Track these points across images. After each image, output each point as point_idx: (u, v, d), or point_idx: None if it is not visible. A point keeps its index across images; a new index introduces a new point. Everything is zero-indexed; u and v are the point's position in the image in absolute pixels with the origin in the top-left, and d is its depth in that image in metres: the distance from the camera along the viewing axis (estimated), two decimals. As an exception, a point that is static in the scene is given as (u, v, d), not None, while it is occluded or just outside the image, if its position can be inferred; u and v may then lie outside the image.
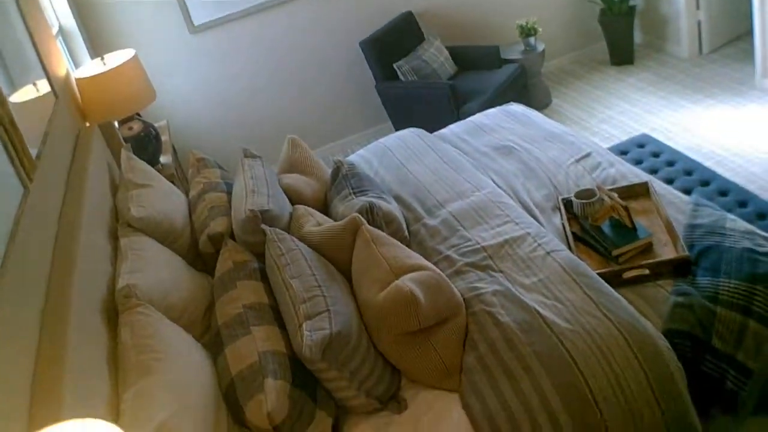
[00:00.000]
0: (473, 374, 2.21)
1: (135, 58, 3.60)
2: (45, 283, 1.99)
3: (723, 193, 3.12)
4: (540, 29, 5.42)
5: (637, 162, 3.76)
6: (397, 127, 4.91)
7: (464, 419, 2.13)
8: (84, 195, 2.65)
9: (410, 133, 3.76)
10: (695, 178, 3.28)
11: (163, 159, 3.92)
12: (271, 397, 1.96)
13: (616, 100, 5.36)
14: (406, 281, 2.23)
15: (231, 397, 2.05)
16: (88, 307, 2.14)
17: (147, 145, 3.77)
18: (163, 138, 4.11)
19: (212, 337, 2.33)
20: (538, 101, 5.41)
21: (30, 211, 2.10)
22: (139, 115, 3.88)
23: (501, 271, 2.54)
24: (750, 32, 5.17)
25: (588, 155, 3.28)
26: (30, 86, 2.74)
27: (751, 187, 3.70)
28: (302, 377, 2.11)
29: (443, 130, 3.87)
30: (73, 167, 2.81)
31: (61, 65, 3.49)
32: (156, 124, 4.14)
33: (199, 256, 2.91)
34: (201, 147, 4.89)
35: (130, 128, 3.73)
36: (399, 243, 2.50)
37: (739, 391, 2.22)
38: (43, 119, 2.74)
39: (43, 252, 2.10)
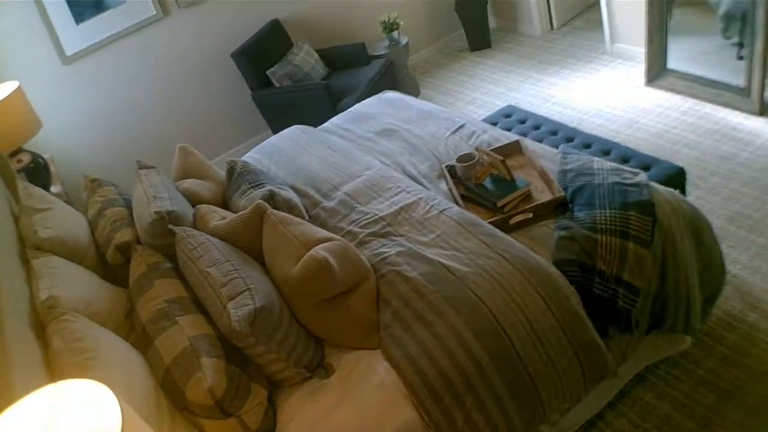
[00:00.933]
0: (391, 328, 2.39)
1: (19, 90, 3.61)
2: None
3: (587, 146, 3.41)
4: (402, 23, 5.69)
5: (507, 130, 4.04)
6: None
7: (390, 370, 2.30)
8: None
9: (295, 130, 3.93)
10: (560, 136, 3.57)
11: (53, 189, 3.93)
12: (210, 372, 2.08)
13: (479, 82, 5.68)
14: (318, 250, 2.39)
15: (169, 384, 2.14)
16: (18, 320, 2.19)
17: (37, 176, 3.78)
18: (52, 169, 4.11)
19: (138, 335, 2.41)
20: (408, 93, 5.65)
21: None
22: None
23: (401, 235, 2.74)
24: (596, 3, 5.58)
25: (462, 126, 3.53)
26: None
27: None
28: (233, 355, 2.22)
29: (326, 124, 4.06)
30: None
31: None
32: (44, 155, 4.14)
33: (109, 272, 2.96)
34: (94, 172, 4.86)
35: (20, 160, 3.74)
36: (304, 221, 2.66)
37: (632, 308, 2.48)
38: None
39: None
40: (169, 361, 2.16)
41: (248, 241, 2.65)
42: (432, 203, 2.83)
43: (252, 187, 3.06)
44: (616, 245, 2.49)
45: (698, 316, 2.65)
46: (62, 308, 2.28)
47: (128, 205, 3.17)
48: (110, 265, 2.91)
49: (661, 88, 4.68)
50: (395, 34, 5.64)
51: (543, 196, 2.83)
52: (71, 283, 2.52)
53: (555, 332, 2.32)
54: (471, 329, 2.28)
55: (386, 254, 2.64)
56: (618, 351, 2.56)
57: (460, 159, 3.09)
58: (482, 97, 5.42)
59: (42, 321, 2.29)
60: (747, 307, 2.98)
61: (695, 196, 3.61)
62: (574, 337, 2.34)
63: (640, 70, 4.89)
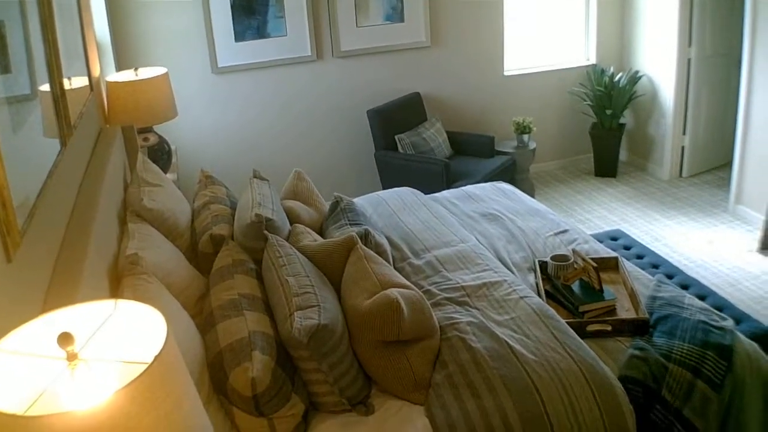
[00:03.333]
0: (441, 389, 2.38)
1: (166, 76, 3.86)
2: (63, 230, 2.18)
3: (684, 287, 3.36)
4: (534, 129, 5.78)
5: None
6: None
7: (428, 428, 2.28)
8: (104, 172, 2.85)
9: (406, 190, 4.03)
10: (661, 271, 3.52)
11: (169, 176, 4.13)
12: (258, 366, 2.12)
13: (595, 206, 5.67)
14: (394, 292, 2.43)
15: (217, 366, 2.19)
16: (97, 268, 2.30)
17: (158, 159, 3.98)
18: (173, 159, 4.33)
19: (204, 320, 2.49)
20: (523, 194, 5.72)
21: (61, 166, 2.32)
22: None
23: (476, 308, 2.75)
24: (729, 164, 5.54)
25: (566, 231, 3.54)
26: (72, 77, 3.00)
27: (711, 294, 3.96)
28: (285, 362, 2.27)
29: (436, 194, 4.14)
30: (96, 151, 3.04)
31: (97, 68, 3.75)
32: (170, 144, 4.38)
33: (195, 260, 3.08)
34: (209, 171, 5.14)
35: (146, 139, 3.95)
36: (388, 265, 2.71)
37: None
38: (80, 103, 2.98)
39: (65, 205, 2.29)
40: (224, 344, 2.22)
41: (331, 266, 2.71)
42: (515, 287, 2.84)
43: (350, 224, 3.14)
44: (686, 379, 2.43)
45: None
46: (143, 268, 2.38)
47: (232, 206, 3.31)
48: (199, 253, 3.02)
49: (773, 259, 4.58)
50: (525, 137, 5.73)
51: (627, 314, 2.80)
52: (158, 251, 2.64)
53: (602, 444, 2.26)
54: (518, 413, 2.25)
55: (457, 320, 2.65)
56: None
57: (554, 257, 3.10)
58: (594, 219, 5.41)
59: (120, 274, 2.39)
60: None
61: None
62: (618, 453, 2.28)
63: (756, 235, 4.81)
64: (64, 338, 1.19)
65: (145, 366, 1.13)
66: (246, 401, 2.11)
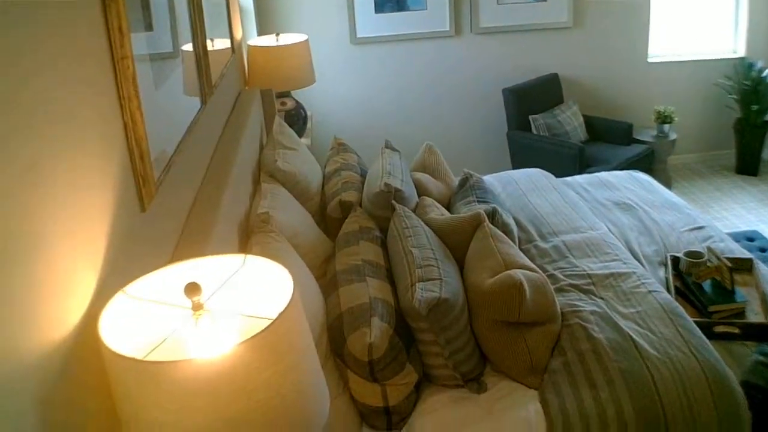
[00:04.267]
0: (557, 376, 2.34)
1: (306, 43, 3.93)
2: (198, 185, 2.26)
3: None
4: (676, 119, 5.55)
5: (746, 253, 3.85)
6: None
7: (539, 413, 2.25)
8: (241, 132, 2.94)
9: (537, 172, 3.95)
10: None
11: (303, 141, 4.21)
12: (376, 332, 2.14)
13: (733, 204, 5.41)
14: (518, 273, 2.40)
15: (335, 329, 2.24)
16: (228, 221, 2.37)
17: (293, 124, 4.06)
18: (308, 124, 4.41)
19: (327, 282, 2.53)
20: (658, 186, 5.52)
21: (200, 124, 2.40)
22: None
23: (601, 298, 2.67)
24: None
25: (702, 228, 3.39)
26: (215, 39, 3.10)
27: None
28: (403, 330, 2.28)
29: (567, 178, 4.05)
30: (234, 111, 3.14)
31: (239, 31, 3.86)
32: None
33: (322, 223, 3.14)
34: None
35: (284, 103, 4.04)
36: (514, 246, 2.68)
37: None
38: (221, 65, 3.07)
39: (201, 161, 2.38)
40: (344, 308, 2.26)
41: (456, 242, 2.70)
42: (644, 281, 2.75)
43: (478, 201, 3.12)
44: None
45: None
46: (272, 227, 2.44)
47: (362, 174, 3.34)
48: (327, 217, 3.08)
49: None
50: (666, 127, 5.50)
51: (756, 318, 2.66)
52: (288, 212, 2.70)
53: (719, 449, 2.17)
54: (634, 408, 2.19)
55: (580, 308, 2.59)
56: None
57: (688, 254, 2.98)
58: (731, 218, 5.16)
59: (250, 230, 2.46)
60: None
61: None
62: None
63: None
64: (192, 288, 1.22)
65: (269, 322, 1.15)
66: (361, 366, 2.14)
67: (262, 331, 1.13)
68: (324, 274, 2.68)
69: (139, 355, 1.19)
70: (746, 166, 5.97)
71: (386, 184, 2.86)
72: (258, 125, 3.50)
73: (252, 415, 1.14)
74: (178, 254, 1.87)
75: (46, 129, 1.14)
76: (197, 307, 1.25)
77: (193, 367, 1.09)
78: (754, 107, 5.73)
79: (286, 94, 4.12)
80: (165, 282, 1.34)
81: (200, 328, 1.28)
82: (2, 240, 0.96)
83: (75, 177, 1.25)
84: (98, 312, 1.20)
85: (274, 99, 3.81)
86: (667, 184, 5.61)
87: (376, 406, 2.21)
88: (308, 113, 4.66)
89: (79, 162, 1.28)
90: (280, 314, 1.18)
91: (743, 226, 4.97)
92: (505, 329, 2.40)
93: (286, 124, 3.45)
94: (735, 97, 5.84)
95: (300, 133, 4.16)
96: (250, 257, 1.39)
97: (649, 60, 5.92)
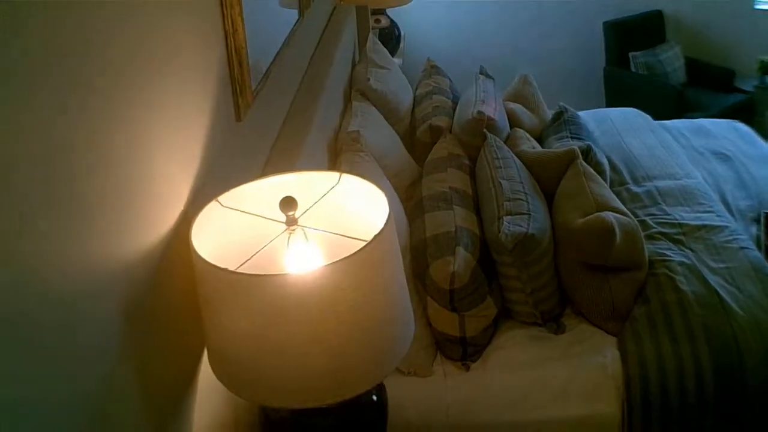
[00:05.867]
0: (638, 324, 2.28)
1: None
2: (292, 98, 2.24)
3: None
4: (783, 70, 5.26)
5: None
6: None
7: (617, 360, 2.21)
8: (335, 47, 2.89)
9: (633, 112, 3.81)
10: None
11: (396, 60, 4.13)
12: (460, 261, 2.11)
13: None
14: (609, 216, 2.32)
15: (419, 254, 2.21)
16: (319, 138, 2.34)
17: (387, 42, 3.99)
18: (401, 44, 4.33)
19: (413, 206, 2.50)
20: (757, 139, 5.28)
21: (297, 34, 2.36)
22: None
23: (691, 250, 2.58)
24: None
25: (804, 186, 3.23)
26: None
27: None
28: (486, 262, 2.24)
29: (665, 122, 3.89)
30: (329, 26, 3.08)
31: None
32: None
33: (410, 146, 3.09)
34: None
35: (378, 21, 3.97)
36: (606, 186, 2.59)
37: None
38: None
39: (296, 74, 2.34)
40: (429, 235, 2.23)
41: (547, 177, 2.63)
42: (737, 236, 2.63)
43: (571, 137, 3.02)
44: None
45: None
46: (362, 146, 2.41)
47: (454, 100, 3.27)
48: (416, 141, 3.03)
49: None
50: (769, 78, 5.23)
51: None
52: (378, 132, 2.66)
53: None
54: (713, 365, 2.13)
55: (668, 258, 2.50)
56: None
57: (786, 212, 2.84)
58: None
59: (339, 149, 2.43)
60: None
61: None
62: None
63: None
64: (287, 202, 1.20)
65: (363, 243, 1.12)
66: (442, 294, 2.12)
67: (356, 252, 1.10)
68: (410, 197, 2.65)
69: (232, 267, 1.18)
70: None
71: (479, 112, 2.79)
72: (351, 42, 3.44)
73: (338, 336, 1.12)
74: (269, 167, 1.86)
75: (145, 29, 1.10)
76: (291, 222, 1.23)
77: (286, 283, 1.07)
78: None
79: (380, 12, 4.04)
80: (257, 194, 1.32)
81: (292, 243, 1.26)
82: (101, 142, 0.94)
83: (173, 82, 1.22)
84: (190, 221, 1.19)
85: (369, 16, 3.73)
86: (766, 137, 5.36)
87: (452, 335, 2.19)
88: (402, 33, 4.56)
89: (179, 67, 1.25)
90: (375, 237, 1.14)
91: None
92: (589, 271, 2.34)
93: (379, 42, 3.39)
94: None
95: (393, 52, 4.08)
96: (346, 176, 1.36)
97: (756, 6, 5.57)
